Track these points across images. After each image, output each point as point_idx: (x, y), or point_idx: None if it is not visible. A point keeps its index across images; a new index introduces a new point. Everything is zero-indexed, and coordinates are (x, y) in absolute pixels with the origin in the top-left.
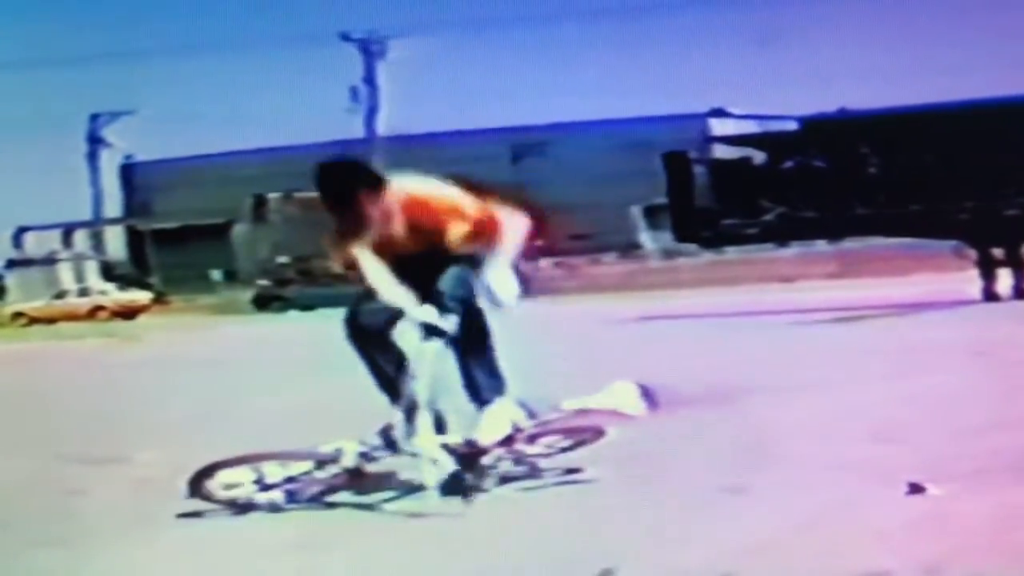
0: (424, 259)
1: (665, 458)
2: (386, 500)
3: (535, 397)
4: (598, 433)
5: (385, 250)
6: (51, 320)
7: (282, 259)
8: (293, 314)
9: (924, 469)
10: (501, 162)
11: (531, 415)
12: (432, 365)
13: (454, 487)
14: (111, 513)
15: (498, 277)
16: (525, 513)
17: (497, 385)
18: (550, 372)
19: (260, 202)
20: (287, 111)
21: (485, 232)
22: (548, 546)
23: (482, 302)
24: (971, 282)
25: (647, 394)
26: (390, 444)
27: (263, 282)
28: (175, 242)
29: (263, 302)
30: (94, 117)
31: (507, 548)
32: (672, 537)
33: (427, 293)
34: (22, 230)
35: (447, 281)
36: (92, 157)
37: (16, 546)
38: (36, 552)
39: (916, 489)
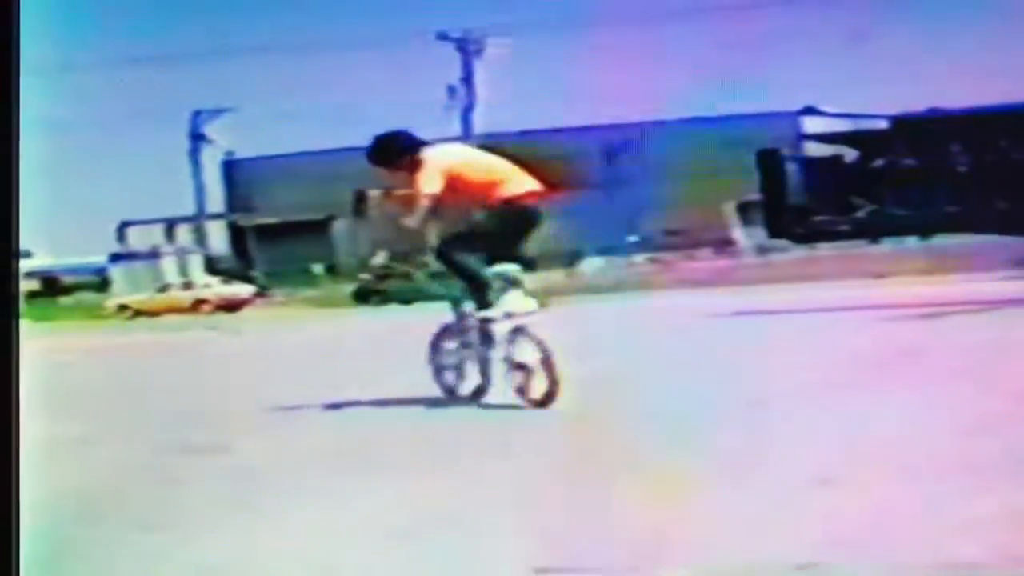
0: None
1: (755, 450)
2: None
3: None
4: None
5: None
6: (155, 313)
7: (381, 255)
8: (393, 308)
9: (1014, 464)
10: (595, 160)
11: None
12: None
13: None
14: (210, 501)
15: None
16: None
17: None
18: (644, 367)
19: (360, 198)
20: (387, 109)
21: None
22: (633, 534)
23: None
24: None
25: None
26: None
27: (364, 276)
28: (277, 237)
29: (363, 296)
30: (196, 114)
31: (591, 533)
32: (756, 526)
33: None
34: (125, 224)
35: None
36: (194, 153)
37: (118, 531)
38: (138, 537)
39: None
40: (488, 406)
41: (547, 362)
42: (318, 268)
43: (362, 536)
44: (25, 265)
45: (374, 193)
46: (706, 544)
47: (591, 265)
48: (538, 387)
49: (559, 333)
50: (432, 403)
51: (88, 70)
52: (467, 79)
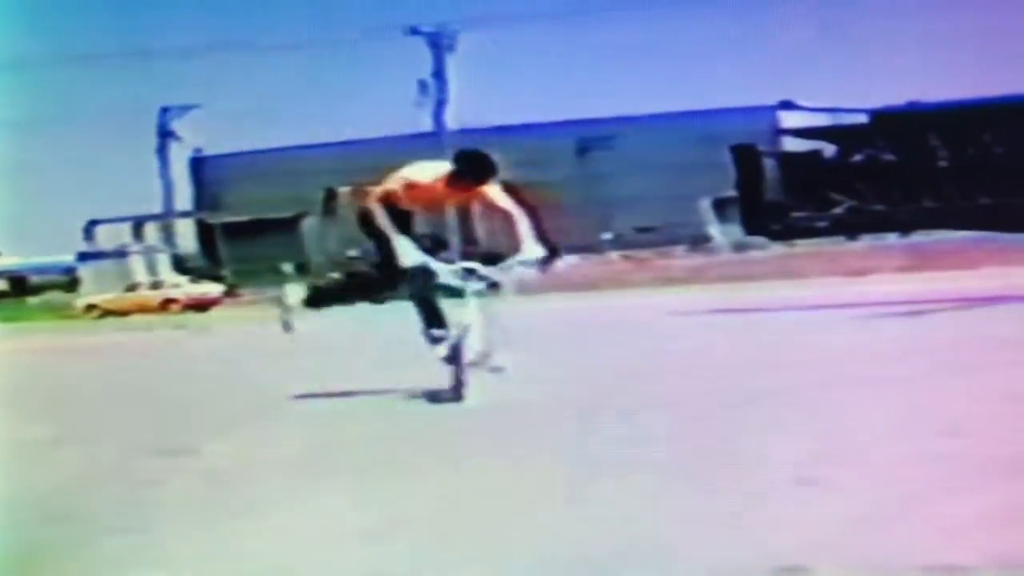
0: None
1: (736, 449)
2: None
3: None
4: None
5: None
6: (124, 313)
7: (352, 252)
8: (364, 307)
9: (997, 464)
10: (568, 155)
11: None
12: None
13: None
14: (181, 503)
15: (532, 246)
16: (591, 501)
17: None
18: (616, 364)
19: (330, 196)
20: (357, 105)
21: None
22: (612, 535)
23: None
24: None
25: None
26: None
27: (333, 275)
28: (245, 235)
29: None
30: (164, 111)
31: (569, 533)
32: (733, 527)
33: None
34: (93, 223)
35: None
36: (162, 150)
37: (88, 535)
38: (107, 540)
39: None
40: (467, 407)
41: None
42: (288, 267)
43: (333, 538)
44: None
45: (344, 190)
46: (681, 546)
47: (565, 263)
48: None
49: (535, 329)
50: (406, 402)
51: (54, 67)
52: (439, 74)
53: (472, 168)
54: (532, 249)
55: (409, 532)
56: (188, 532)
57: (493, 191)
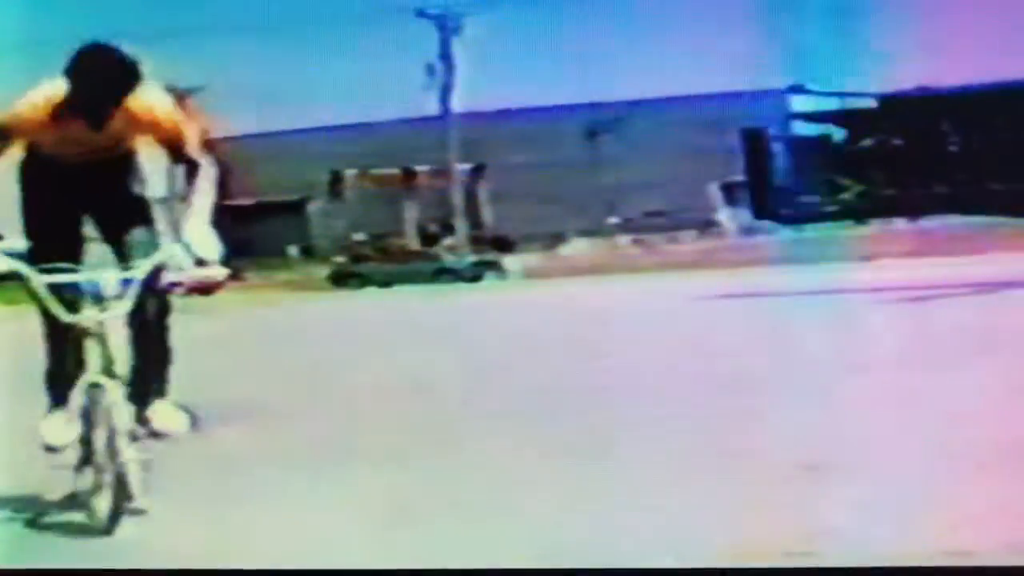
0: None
1: (741, 434)
2: None
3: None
4: None
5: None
6: None
7: (358, 236)
8: (370, 291)
9: (1004, 450)
10: (576, 138)
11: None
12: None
13: None
14: (187, 489)
15: (198, 232)
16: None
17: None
18: (627, 346)
19: (336, 179)
20: (363, 88)
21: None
22: (621, 520)
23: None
24: None
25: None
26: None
27: (340, 259)
28: (251, 219)
29: (340, 279)
30: (168, 91)
31: (568, 522)
32: (743, 513)
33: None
34: None
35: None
36: None
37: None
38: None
39: None
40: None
41: None
42: (293, 250)
43: (339, 525)
44: None
45: (350, 173)
46: (693, 532)
47: (573, 247)
48: None
49: (546, 314)
50: (413, 389)
51: (59, 48)
52: (445, 56)
53: (92, 81)
54: (201, 240)
55: (421, 519)
56: (193, 518)
57: (161, 112)
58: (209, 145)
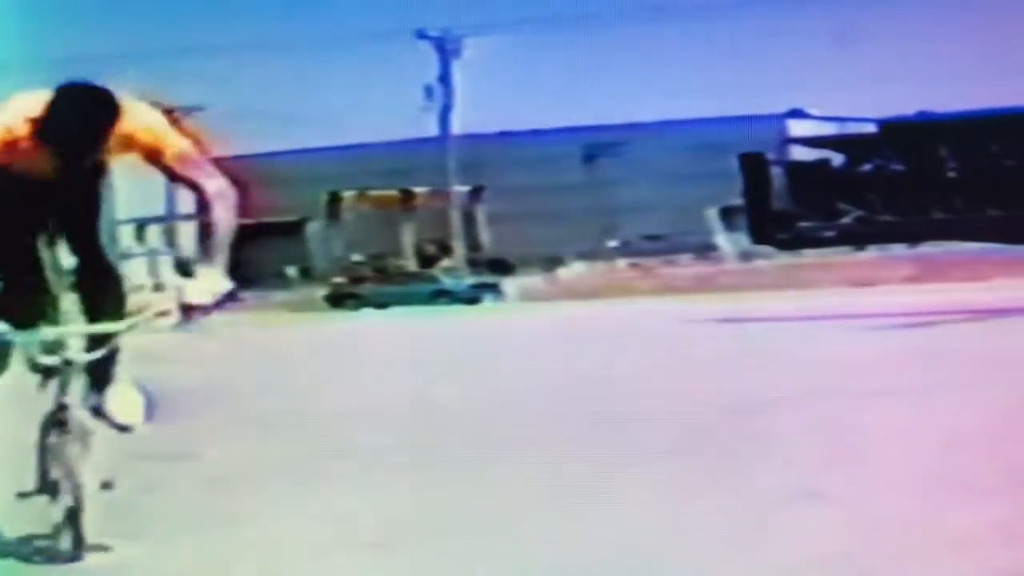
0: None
1: (737, 460)
2: None
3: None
4: None
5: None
6: None
7: (356, 257)
8: (367, 312)
9: (1001, 476)
10: (575, 161)
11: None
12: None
13: None
14: (181, 511)
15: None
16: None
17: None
18: (622, 372)
19: (335, 200)
20: (362, 109)
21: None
22: (622, 546)
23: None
24: None
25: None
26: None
27: (338, 280)
28: (249, 239)
29: (337, 300)
30: (166, 113)
31: (574, 540)
32: (739, 538)
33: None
34: None
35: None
36: None
37: (88, 539)
38: (108, 545)
39: None
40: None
41: None
42: (292, 271)
43: (333, 544)
44: None
45: (348, 194)
46: (687, 557)
47: (571, 269)
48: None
49: (545, 336)
50: (408, 410)
51: (57, 68)
52: (445, 79)
53: (69, 126)
54: (212, 278)
55: (416, 539)
56: (189, 538)
57: (144, 135)
58: (218, 165)
